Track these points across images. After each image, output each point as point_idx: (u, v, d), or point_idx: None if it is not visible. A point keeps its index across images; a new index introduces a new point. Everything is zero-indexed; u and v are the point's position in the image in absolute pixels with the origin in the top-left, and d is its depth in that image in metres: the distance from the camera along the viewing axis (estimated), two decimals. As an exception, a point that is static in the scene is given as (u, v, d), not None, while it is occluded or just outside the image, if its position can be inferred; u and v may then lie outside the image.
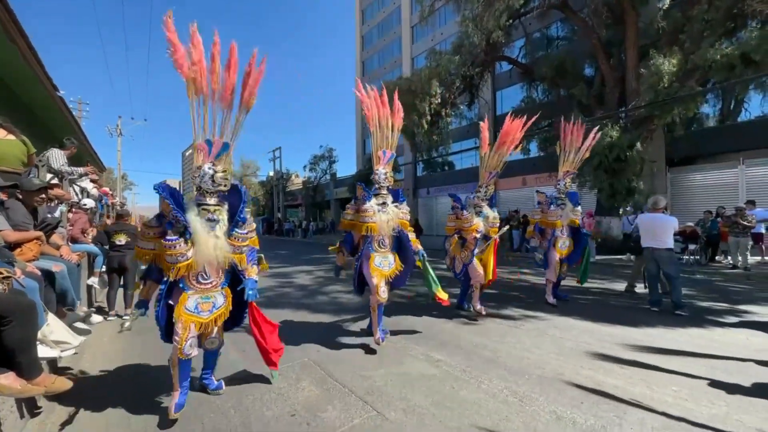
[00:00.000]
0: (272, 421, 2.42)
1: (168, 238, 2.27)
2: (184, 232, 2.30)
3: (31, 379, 1.82)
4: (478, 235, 4.83)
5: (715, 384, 2.84)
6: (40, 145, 4.20)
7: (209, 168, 2.40)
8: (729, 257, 9.17)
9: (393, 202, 3.74)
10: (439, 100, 15.04)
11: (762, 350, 3.55)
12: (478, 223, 4.82)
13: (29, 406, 2.40)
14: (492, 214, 5.06)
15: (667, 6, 11.36)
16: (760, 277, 7.79)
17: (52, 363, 2.87)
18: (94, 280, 4.83)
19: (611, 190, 11.64)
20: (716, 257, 9.92)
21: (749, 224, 8.35)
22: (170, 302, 2.45)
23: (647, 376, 3.00)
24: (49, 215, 3.50)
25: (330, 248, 3.69)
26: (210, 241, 2.35)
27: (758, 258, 9.47)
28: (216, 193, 2.44)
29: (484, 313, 4.90)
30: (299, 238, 28.54)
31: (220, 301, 2.53)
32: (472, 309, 5.03)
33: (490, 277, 5.05)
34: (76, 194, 5.44)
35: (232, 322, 2.80)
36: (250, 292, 2.62)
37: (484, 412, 2.47)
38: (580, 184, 13.40)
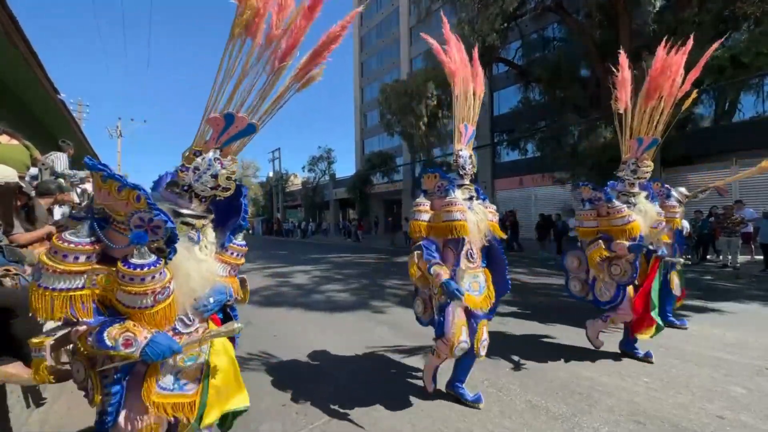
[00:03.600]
0: (264, 411, 2.57)
1: (137, 262, 1.26)
2: (167, 251, 1.33)
3: (37, 368, 1.97)
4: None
5: (684, 375, 2.99)
6: (41, 148, 4.34)
7: (215, 159, 1.42)
8: (721, 256, 9.33)
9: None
10: (436, 102, 15.20)
11: (733, 344, 3.70)
12: (637, 221, 3.08)
13: (34, 397, 2.55)
14: (652, 208, 3.26)
15: (658, 9, 11.50)
16: (749, 276, 7.94)
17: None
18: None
19: (605, 191, 11.79)
20: (707, 256, 10.08)
21: (736, 224, 8.52)
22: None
23: (622, 368, 3.15)
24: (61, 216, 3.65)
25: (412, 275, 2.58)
26: (192, 267, 1.42)
27: (748, 257, 9.62)
28: (209, 199, 1.50)
29: (597, 344, 3.50)
30: (298, 238, 28.68)
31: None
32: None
33: (656, 317, 3.14)
34: (78, 197, 5.59)
35: None
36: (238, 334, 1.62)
37: (464, 402, 2.61)
38: (575, 184, 13.58)
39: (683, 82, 3.15)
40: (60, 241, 1.25)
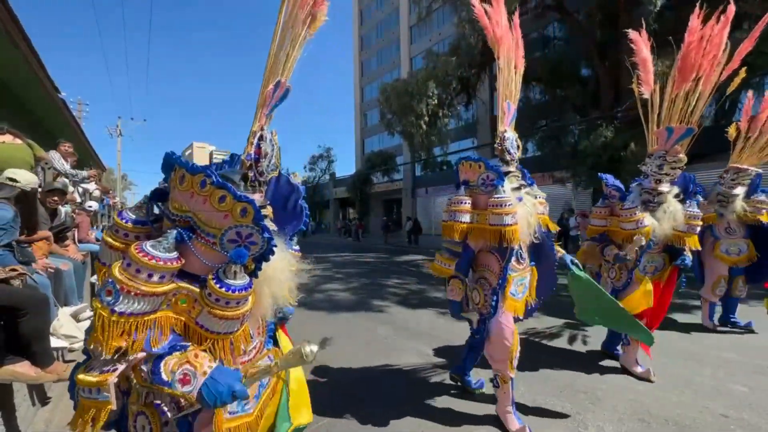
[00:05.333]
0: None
1: (235, 284, 1.05)
2: (253, 268, 1.13)
3: (44, 367, 1.98)
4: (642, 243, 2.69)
5: (686, 374, 3.00)
6: (42, 148, 4.33)
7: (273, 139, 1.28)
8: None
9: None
10: (436, 101, 15.21)
11: (735, 343, 3.72)
12: (649, 227, 2.70)
13: (40, 395, 2.56)
14: (680, 210, 2.81)
15: (659, 8, 11.52)
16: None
17: (60, 356, 3.03)
18: (96, 278, 5.00)
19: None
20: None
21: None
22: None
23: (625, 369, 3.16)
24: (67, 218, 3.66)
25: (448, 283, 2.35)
26: (279, 269, 1.21)
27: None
28: (263, 185, 1.30)
29: (653, 379, 2.85)
30: (298, 237, 28.72)
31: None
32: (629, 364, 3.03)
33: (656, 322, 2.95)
34: (80, 195, 5.59)
35: None
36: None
37: (470, 401, 2.63)
38: (575, 184, 13.62)
39: (729, 59, 2.64)
40: (143, 256, 0.97)
